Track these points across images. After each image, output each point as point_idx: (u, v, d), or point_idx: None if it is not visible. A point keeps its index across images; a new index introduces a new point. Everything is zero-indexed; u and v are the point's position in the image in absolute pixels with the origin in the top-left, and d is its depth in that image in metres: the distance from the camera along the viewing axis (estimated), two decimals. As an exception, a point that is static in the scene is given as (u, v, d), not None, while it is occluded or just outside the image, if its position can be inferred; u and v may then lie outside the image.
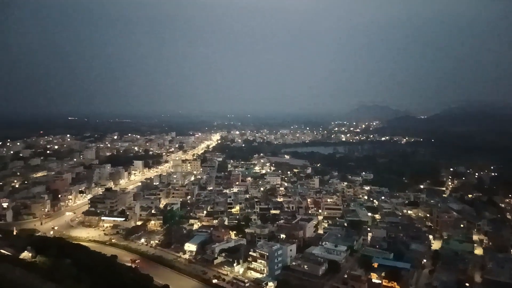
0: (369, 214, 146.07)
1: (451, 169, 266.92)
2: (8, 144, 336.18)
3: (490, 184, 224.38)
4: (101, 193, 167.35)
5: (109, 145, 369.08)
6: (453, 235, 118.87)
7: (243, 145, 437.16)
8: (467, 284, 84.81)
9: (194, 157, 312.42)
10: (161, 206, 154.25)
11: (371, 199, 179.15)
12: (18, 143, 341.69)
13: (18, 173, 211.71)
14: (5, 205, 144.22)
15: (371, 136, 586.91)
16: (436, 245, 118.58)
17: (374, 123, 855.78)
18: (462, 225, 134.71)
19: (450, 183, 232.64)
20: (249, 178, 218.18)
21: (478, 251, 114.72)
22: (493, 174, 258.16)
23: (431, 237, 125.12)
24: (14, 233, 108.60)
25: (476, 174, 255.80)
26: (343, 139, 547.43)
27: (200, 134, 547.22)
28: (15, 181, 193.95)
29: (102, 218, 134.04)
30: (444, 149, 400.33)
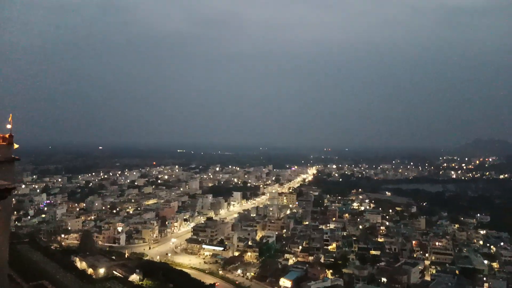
0: (486, 261, 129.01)
1: None
2: (126, 173, 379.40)
3: None
4: (203, 222, 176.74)
5: (211, 176, 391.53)
6: None
7: (340, 179, 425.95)
8: None
9: (290, 190, 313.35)
10: (257, 238, 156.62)
11: (488, 244, 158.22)
12: (134, 173, 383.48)
13: (133, 200, 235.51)
14: (120, 229, 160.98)
15: (487, 173, 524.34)
16: None
17: (491, 159, 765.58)
18: None
19: None
20: (347, 215, 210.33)
21: None
22: None
23: None
24: (126, 256, 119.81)
25: None
26: (454, 176, 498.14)
27: (296, 167, 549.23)
28: (130, 207, 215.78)
29: (203, 246, 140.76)
30: None
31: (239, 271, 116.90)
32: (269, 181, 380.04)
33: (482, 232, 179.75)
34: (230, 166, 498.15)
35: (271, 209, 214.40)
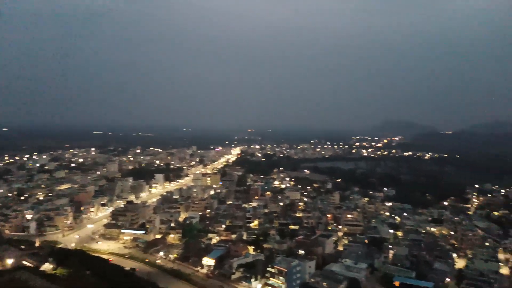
0: (391, 231, 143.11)
1: (477, 186, 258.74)
2: (35, 157, 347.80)
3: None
4: (122, 206, 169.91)
5: (131, 158, 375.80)
6: (477, 254, 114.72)
7: (263, 159, 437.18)
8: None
9: (214, 171, 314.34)
10: (181, 219, 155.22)
11: (393, 216, 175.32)
12: (44, 156, 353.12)
13: (43, 186, 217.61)
14: (29, 216, 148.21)
15: (394, 151, 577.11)
16: (460, 264, 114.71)
17: (397, 138, 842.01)
18: (487, 244, 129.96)
19: (475, 201, 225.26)
20: (268, 193, 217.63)
21: (504, 270, 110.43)
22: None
23: (455, 255, 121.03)
24: (37, 245, 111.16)
25: (503, 192, 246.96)
26: (365, 154, 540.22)
27: (220, 148, 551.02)
28: (40, 193, 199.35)
29: (123, 231, 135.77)
30: (469, 165, 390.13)
31: (161, 254, 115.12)
32: (193, 163, 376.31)
33: (389, 204, 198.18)
34: (151, 148, 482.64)
35: (194, 190, 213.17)
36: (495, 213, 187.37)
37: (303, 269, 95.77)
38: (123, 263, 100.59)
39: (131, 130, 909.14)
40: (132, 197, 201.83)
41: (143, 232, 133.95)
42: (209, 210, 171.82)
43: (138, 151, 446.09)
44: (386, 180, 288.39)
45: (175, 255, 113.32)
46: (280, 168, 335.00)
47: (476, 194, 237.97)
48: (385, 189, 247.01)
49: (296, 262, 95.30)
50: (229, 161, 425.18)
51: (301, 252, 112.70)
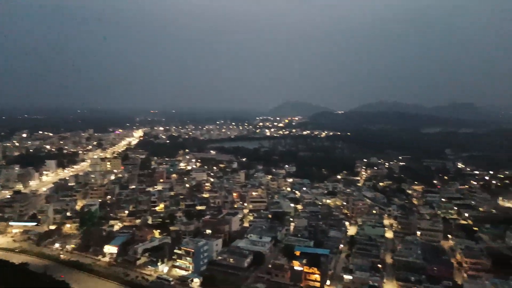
0: (292, 205, 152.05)
1: (365, 160, 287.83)
2: None
3: (399, 174, 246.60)
4: (8, 196, 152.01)
5: (17, 144, 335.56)
6: (366, 221, 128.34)
7: (168, 141, 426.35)
8: (379, 266, 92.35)
9: (115, 155, 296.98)
10: (78, 207, 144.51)
11: (294, 190, 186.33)
12: None
13: None
14: None
15: (294, 130, 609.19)
16: (352, 231, 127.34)
17: (297, 118, 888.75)
18: (374, 212, 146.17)
19: (364, 173, 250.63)
20: (174, 175, 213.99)
21: (389, 234, 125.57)
22: (401, 164, 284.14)
23: (347, 223, 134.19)
24: None
25: (387, 164, 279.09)
26: (268, 134, 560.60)
27: (120, 131, 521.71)
28: None
29: (11, 223, 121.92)
30: (359, 142, 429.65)
31: (57, 245, 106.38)
32: (90, 147, 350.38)
33: (290, 180, 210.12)
34: (41, 132, 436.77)
35: (93, 176, 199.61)
36: (381, 183, 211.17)
37: (210, 248, 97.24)
38: (13, 258, 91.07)
39: (15, 112, 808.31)
40: (20, 186, 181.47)
41: (35, 223, 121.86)
42: (110, 196, 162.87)
43: (24, 135, 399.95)
44: (287, 158, 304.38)
45: (73, 246, 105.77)
46: (186, 150, 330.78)
47: (364, 167, 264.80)
48: (286, 166, 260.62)
49: (203, 242, 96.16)
50: (131, 144, 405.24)
51: (208, 231, 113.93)
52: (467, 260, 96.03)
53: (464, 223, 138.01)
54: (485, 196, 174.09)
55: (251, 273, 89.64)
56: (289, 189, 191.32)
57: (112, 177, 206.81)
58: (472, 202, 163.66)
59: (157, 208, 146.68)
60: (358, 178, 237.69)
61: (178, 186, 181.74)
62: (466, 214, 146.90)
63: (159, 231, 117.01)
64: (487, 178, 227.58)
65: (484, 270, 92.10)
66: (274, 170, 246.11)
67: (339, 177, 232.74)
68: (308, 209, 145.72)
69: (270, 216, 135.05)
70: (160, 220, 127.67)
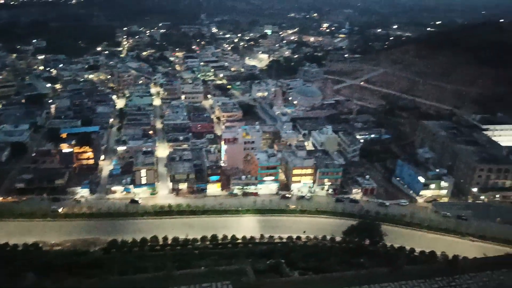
0: (49, 85, 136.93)
1: (125, 29, 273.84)
2: None
3: (160, 41, 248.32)
4: None
5: None
6: (134, 92, 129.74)
7: None
8: (151, 132, 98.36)
9: None
10: None
11: (48, 68, 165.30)
12: None
13: None
14: None
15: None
16: (120, 103, 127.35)
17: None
18: (141, 82, 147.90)
19: (125, 43, 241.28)
20: None
21: (157, 101, 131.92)
22: (162, 31, 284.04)
23: (115, 97, 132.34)
24: None
25: (148, 32, 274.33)
26: (1, 1, 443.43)
27: None
28: None
29: None
30: (116, 9, 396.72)
31: None
32: None
33: (41, 57, 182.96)
34: None
35: None
36: (144, 53, 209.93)
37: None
38: None
39: None
40: None
41: None
42: None
43: None
44: (34, 30, 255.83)
45: None
46: None
47: (125, 36, 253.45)
48: (34, 40, 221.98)
49: None
50: None
51: None
52: (224, 114, 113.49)
53: (219, 83, 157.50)
54: (235, 57, 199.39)
55: (13, 166, 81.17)
56: (42, 67, 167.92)
57: None
58: (225, 64, 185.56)
59: None
60: (121, 48, 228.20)
61: None
62: (221, 75, 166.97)
63: None
64: (235, 40, 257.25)
65: (236, 120, 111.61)
66: (18, 47, 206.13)
67: (99, 49, 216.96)
68: (69, 87, 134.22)
69: (23, 100, 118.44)
70: None
